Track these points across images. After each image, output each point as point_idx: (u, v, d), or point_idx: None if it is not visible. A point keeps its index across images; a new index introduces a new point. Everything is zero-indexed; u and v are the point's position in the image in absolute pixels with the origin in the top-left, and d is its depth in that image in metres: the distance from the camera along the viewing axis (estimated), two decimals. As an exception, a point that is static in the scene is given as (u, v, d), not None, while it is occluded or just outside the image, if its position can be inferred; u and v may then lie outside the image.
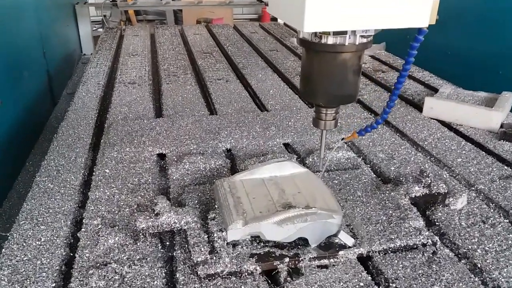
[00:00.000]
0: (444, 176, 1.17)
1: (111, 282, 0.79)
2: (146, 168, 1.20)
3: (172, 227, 0.90)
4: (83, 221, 0.97)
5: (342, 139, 1.14)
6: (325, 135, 0.98)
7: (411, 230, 0.92)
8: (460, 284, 0.80)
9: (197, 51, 2.55)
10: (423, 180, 0.99)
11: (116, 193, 1.07)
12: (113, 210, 1.00)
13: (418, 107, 1.68)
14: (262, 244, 0.87)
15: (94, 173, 1.17)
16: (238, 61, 2.33)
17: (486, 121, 1.49)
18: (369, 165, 1.26)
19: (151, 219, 0.89)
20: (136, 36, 2.95)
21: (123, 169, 1.19)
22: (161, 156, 1.31)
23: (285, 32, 3.15)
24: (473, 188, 1.13)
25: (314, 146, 1.35)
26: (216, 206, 0.94)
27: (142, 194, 1.07)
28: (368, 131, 0.99)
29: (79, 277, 0.81)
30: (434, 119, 1.57)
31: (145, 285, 0.79)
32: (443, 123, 1.55)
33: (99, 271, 0.81)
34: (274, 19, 4.51)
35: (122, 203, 1.03)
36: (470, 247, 0.90)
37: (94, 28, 4.13)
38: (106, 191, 1.08)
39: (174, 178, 1.15)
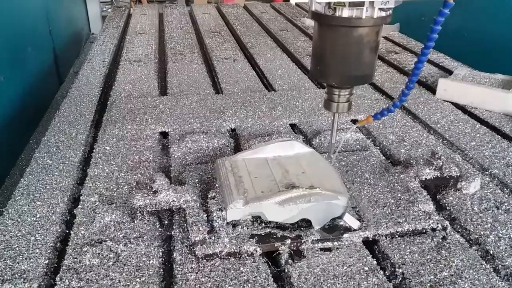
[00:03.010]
0: (457, 159, 1.12)
1: (105, 260, 0.77)
2: (147, 146, 1.16)
3: (171, 205, 0.87)
4: (81, 198, 0.94)
5: (354, 122, 1.06)
6: (338, 118, 0.92)
7: (420, 214, 0.87)
8: (471, 271, 0.76)
9: (205, 30, 2.50)
10: (435, 162, 0.94)
11: (115, 170, 1.04)
12: (112, 187, 0.98)
13: (432, 89, 1.62)
14: (263, 225, 0.84)
15: (94, 150, 1.14)
16: (246, 41, 2.27)
17: (502, 104, 1.42)
18: (378, 147, 1.21)
19: (149, 197, 0.86)
20: (144, 15, 2.90)
21: (123, 146, 1.16)
22: (164, 135, 1.27)
23: (296, 12, 3.07)
24: (487, 172, 1.08)
25: (322, 127, 1.30)
26: (216, 185, 0.91)
27: (142, 172, 1.04)
28: (385, 114, 0.91)
29: (73, 254, 0.78)
30: (447, 101, 1.51)
31: (141, 264, 0.77)
32: (457, 105, 1.49)
33: (94, 248, 0.79)
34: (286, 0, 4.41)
35: (121, 181, 1.00)
36: (482, 233, 0.86)
37: (104, 9, 4.08)
38: (106, 168, 1.05)
39: (175, 156, 1.12)
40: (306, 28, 2.57)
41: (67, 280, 0.72)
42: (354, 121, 1.35)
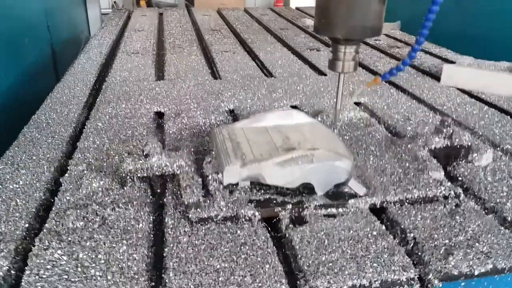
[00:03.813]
0: (467, 136, 1.06)
1: (90, 223, 0.71)
2: (141, 123, 1.11)
3: (163, 171, 0.81)
4: (68, 167, 0.88)
5: (358, 104, 1.01)
6: (343, 80, 0.87)
7: (431, 181, 0.82)
8: (489, 236, 0.70)
9: (205, 29, 2.47)
10: (444, 130, 0.89)
11: (106, 143, 0.99)
12: (101, 157, 0.92)
13: (436, 77, 1.57)
14: (262, 191, 0.78)
15: (85, 126, 1.09)
16: (246, 37, 2.25)
17: (510, 88, 1.37)
18: (383, 125, 1.15)
19: (140, 161, 0.80)
20: (144, 16, 2.89)
21: (116, 123, 1.11)
22: (160, 115, 1.22)
23: (296, 14, 3.06)
24: (498, 148, 1.02)
25: (324, 108, 1.25)
26: (213, 152, 0.85)
27: (135, 144, 0.98)
28: (394, 73, 0.85)
29: (55, 218, 0.72)
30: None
31: (129, 228, 0.70)
32: (463, 91, 1.44)
33: (78, 211, 0.72)
34: (286, 4, 4.41)
35: (112, 152, 0.94)
36: (498, 200, 0.80)
37: (104, 15, 4.08)
38: (96, 140, 1.00)
39: (170, 132, 1.06)
40: (307, 27, 2.55)
41: (47, 242, 0.66)
42: (358, 104, 1.30)
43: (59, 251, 0.64)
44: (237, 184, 0.78)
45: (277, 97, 1.31)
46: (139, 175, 0.80)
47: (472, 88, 1.44)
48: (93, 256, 0.64)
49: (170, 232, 0.70)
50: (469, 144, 0.90)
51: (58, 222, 0.71)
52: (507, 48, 1.99)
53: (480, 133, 1.10)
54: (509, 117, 1.20)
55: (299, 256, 0.66)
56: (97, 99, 1.30)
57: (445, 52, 1.95)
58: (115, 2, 3.57)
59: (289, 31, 2.45)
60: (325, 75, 1.59)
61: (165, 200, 0.79)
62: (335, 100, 0.89)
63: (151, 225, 0.73)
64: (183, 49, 1.97)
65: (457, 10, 2.37)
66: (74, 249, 0.65)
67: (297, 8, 3.45)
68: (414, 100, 1.34)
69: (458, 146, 0.90)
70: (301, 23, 2.68)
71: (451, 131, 0.89)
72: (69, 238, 0.67)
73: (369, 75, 1.59)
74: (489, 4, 2.26)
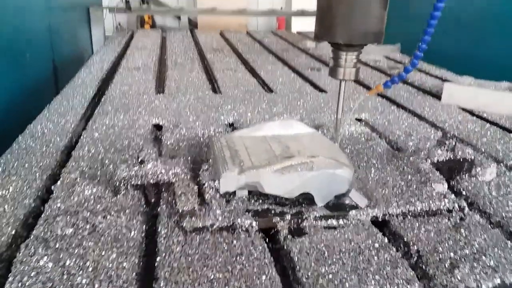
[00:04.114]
0: (470, 150, 1.04)
1: (80, 231, 0.68)
2: (138, 134, 1.09)
3: (158, 178, 0.78)
4: (61, 175, 0.86)
5: (359, 120, 0.99)
6: (344, 88, 0.85)
7: (434, 194, 0.79)
8: (496, 249, 0.66)
9: (207, 48, 2.49)
10: (447, 142, 0.86)
11: (101, 152, 0.97)
12: (96, 166, 0.89)
13: (437, 96, 1.57)
14: (260, 201, 0.75)
15: (82, 136, 1.07)
16: (248, 57, 2.26)
17: (511, 107, 1.36)
18: (384, 140, 1.13)
19: (135, 168, 0.78)
20: (147, 36, 2.92)
21: (113, 133, 1.09)
22: (158, 128, 1.20)
23: (297, 38, 3.09)
24: (502, 164, 1.00)
25: (325, 122, 1.23)
26: (210, 160, 0.83)
27: (131, 153, 0.96)
28: (396, 81, 0.84)
29: (44, 224, 0.69)
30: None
31: (120, 236, 0.67)
32: (464, 109, 1.43)
33: (68, 217, 0.70)
34: (287, 29, 4.48)
35: (106, 161, 0.92)
36: (504, 215, 0.77)
37: (108, 35, 4.13)
38: (92, 149, 0.97)
39: (168, 143, 1.04)
40: (308, 49, 2.57)
41: (33, 248, 0.63)
42: (359, 120, 1.29)
43: (45, 258, 0.61)
44: (234, 194, 0.76)
45: (277, 111, 1.30)
46: (133, 182, 0.77)
47: (473, 107, 1.43)
48: (81, 264, 0.61)
49: (162, 241, 0.67)
50: (472, 157, 0.88)
51: (46, 229, 0.68)
52: (507, 69, 1.99)
53: (483, 150, 1.08)
54: (511, 134, 1.18)
55: (298, 267, 0.63)
56: (95, 111, 1.28)
57: (445, 74, 1.95)
58: (119, 24, 3.62)
59: (290, 52, 2.46)
60: (326, 92, 1.58)
61: (159, 209, 0.76)
62: (336, 109, 0.87)
63: (143, 234, 0.70)
64: (185, 66, 1.97)
65: (456, 32, 2.39)
66: (61, 256, 0.62)
67: (299, 32, 3.50)
68: (415, 117, 1.33)
69: (461, 160, 0.87)
70: (302, 45, 2.70)
71: (454, 143, 0.87)
72: (57, 245, 0.64)
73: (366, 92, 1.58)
74: (488, 26, 2.28)
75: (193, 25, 5.75)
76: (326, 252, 0.65)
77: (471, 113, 1.39)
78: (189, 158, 0.89)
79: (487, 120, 1.32)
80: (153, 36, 2.90)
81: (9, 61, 1.73)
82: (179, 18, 5.66)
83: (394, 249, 0.67)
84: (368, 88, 1.70)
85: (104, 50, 2.33)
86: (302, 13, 3.80)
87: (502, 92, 1.40)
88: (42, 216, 0.72)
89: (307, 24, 4.34)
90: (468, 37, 2.43)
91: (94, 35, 3.53)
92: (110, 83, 1.62)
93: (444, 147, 0.87)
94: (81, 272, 0.59)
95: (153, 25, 5.81)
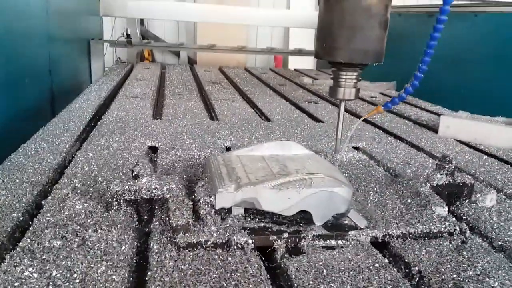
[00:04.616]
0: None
1: (69, 243, 0.65)
2: (134, 155, 1.08)
3: (153, 194, 0.76)
4: (52, 191, 0.83)
5: (357, 148, 0.99)
6: (343, 108, 0.85)
7: (434, 216, 0.77)
8: (500, 272, 0.64)
9: (206, 81, 2.52)
10: (446, 166, 0.86)
11: (95, 170, 0.95)
12: (89, 183, 0.87)
13: (434, 130, 1.57)
14: (257, 219, 0.73)
15: (75, 156, 1.05)
16: (246, 89, 2.28)
17: (509, 140, 1.37)
18: (383, 167, 1.12)
19: (129, 183, 0.76)
20: (147, 68, 2.96)
21: (108, 154, 1.07)
22: (154, 151, 1.19)
23: (294, 74, 3.15)
24: (501, 192, 0.99)
25: (322, 149, 1.23)
26: (206, 178, 0.81)
27: (125, 171, 0.94)
28: (396, 102, 0.85)
29: (31, 237, 0.66)
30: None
31: (110, 250, 0.65)
32: (460, 142, 1.43)
33: (56, 230, 0.67)
34: (284, 66, 4.58)
35: (100, 178, 0.90)
36: (506, 239, 0.75)
37: (107, 68, 4.19)
38: (85, 167, 0.96)
39: (163, 164, 1.03)
40: (305, 84, 2.61)
41: (18, 258, 0.60)
42: (356, 148, 1.28)
43: (30, 269, 0.58)
44: (230, 211, 0.74)
45: (274, 137, 1.29)
46: (126, 197, 0.75)
47: (470, 140, 1.43)
48: (68, 276, 0.57)
49: (154, 256, 0.64)
50: (472, 182, 0.87)
51: (33, 241, 0.65)
52: (503, 105, 2.02)
53: (482, 179, 1.07)
54: (509, 165, 1.18)
55: (295, 285, 0.60)
56: (91, 133, 1.27)
57: (441, 110, 1.98)
58: (119, 58, 3.67)
59: (288, 86, 2.50)
60: (323, 122, 1.58)
61: (151, 226, 0.73)
62: (335, 128, 0.87)
63: (134, 250, 0.68)
64: (183, 96, 1.99)
65: (452, 70, 2.45)
66: (47, 267, 0.59)
67: (296, 70, 3.57)
68: (413, 148, 1.33)
69: (461, 184, 0.86)
70: (299, 81, 2.74)
71: (453, 167, 0.86)
72: (44, 257, 0.61)
73: (366, 125, 1.59)
74: (483, 62, 2.33)
75: (192, 62, 5.86)
76: (324, 271, 0.63)
77: (468, 145, 1.40)
78: (184, 176, 0.87)
79: (484, 152, 1.32)
80: (153, 68, 2.94)
81: (9, 83, 1.74)
82: (178, 56, 5.77)
83: (395, 269, 0.65)
84: (364, 119, 1.71)
85: (103, 79, 2.35)
86: (299, 51, 3.89)
87: (499, 125, 1.41)
88: (30, 228, 0.69)
89: (304, 63, 4.45)
90: (461, 73, 2.48)
91: (93, 67, 3.57)
92: (107, 109, 1.62)
93: (443, 171, 0.86)
94: (67, 283, 0.56)
95: (152, 61, 5.92)
